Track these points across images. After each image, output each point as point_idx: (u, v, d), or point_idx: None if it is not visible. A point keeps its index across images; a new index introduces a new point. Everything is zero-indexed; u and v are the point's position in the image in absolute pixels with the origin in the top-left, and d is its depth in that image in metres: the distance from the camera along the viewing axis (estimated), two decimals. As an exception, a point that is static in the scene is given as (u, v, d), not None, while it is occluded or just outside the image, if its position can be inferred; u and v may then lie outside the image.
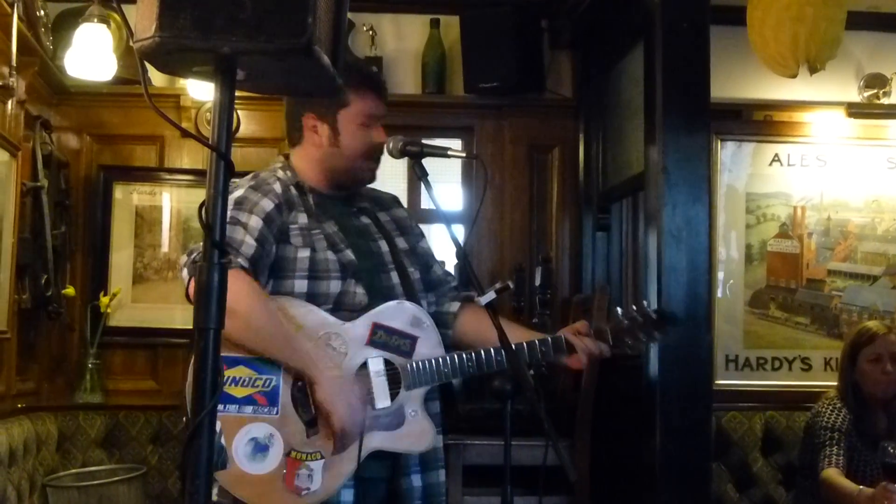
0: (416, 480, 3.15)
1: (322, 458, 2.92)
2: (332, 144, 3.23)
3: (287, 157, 3.32)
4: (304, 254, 3.07)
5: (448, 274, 3.49)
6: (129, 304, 5.79)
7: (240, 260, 2.93)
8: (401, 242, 3.33)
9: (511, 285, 3.11)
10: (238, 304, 2.79)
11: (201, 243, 2.88)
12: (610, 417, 5.15)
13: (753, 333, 5.72)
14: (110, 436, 5.50)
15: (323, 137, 3.23)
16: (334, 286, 3.07)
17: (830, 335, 5.76)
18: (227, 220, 2.89)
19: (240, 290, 2.83)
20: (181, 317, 5.76)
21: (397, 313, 3.11)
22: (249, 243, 2.97)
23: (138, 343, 5.75)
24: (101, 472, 5.26)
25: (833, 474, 4.42)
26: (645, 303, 3.28)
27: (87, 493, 4.98)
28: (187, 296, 2.90)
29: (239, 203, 3.03)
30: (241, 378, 2.88)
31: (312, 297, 3.05)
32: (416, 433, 3.08)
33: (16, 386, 5.00)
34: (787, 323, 5.75)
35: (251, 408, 2.88)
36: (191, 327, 1.80)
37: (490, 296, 2.91)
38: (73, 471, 5.27)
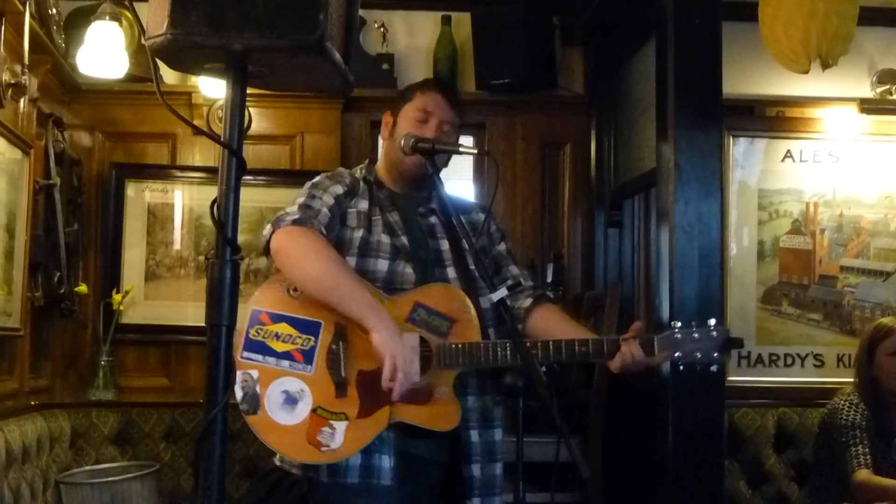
0: (476, 470, 3.22)
1: (346, 419, 3.05)
2: (391, 135, 3.41)
3: (372, 161, 3.52)
4: (358, 234, 3.25)
5: (524, 274, 3.54)
6: (141, 302, 5.80)
7: (314, 222, 3.13)
8: (465, 243, 3.34)
9: (523, 282, 3.11)
10: (313, 255, 3.07)
11: (286, 209, 3.16)
12: (622, 414, 5.14)
13: (766, 330, 5.70)
14: (123, 433, 5.51)
15: (388, 130, 3.44)
16: (382, 265, 3.21)
17: (843, 331, 5.75)
18: (305, 196, 3.22)
19: (309, 242, 3.09)
20: (193, 314, 5.78)
21: (441, 295, 3.22)
22: (325, 213, 3.18)
23: (151, 340, 5.75)
24: (114, 469, 5.26)
25: (867, 475, 4.43)
26: (712, 321, 3.23)
27: (100, 490, 4.98)
28: (264, 250, 3.18)
29: (315, 185, 3.30)
30: (282, 334, 3.08)
31: (360, 274, 3.17)
32: (442, 413, 3.14)
33: (29, 383, 5.01)
34: (799, 319, 5.74)
35: (288, 363, 3.07)
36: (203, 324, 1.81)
37: (501, 292, 2.97)
38: (87, 468, 5.28)
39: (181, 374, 5.80)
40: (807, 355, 5.70)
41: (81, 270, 5.74)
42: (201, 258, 5.77)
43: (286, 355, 3.07)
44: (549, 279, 5.69)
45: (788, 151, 5.78)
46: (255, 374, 3.05)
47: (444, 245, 3.37)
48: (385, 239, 3.26)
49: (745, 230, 5.72)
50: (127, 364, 5.79)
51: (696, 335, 3.21)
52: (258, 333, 3.07)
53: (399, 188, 3.42)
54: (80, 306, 5.63)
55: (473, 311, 3.20)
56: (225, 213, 1.79)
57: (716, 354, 3.23)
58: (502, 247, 3.54)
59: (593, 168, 6.15)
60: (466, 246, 3.33)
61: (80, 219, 5.66)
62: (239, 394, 3.02)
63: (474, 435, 3.24)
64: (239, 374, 3.01)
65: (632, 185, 5.74)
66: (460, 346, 3.13)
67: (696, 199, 4.42)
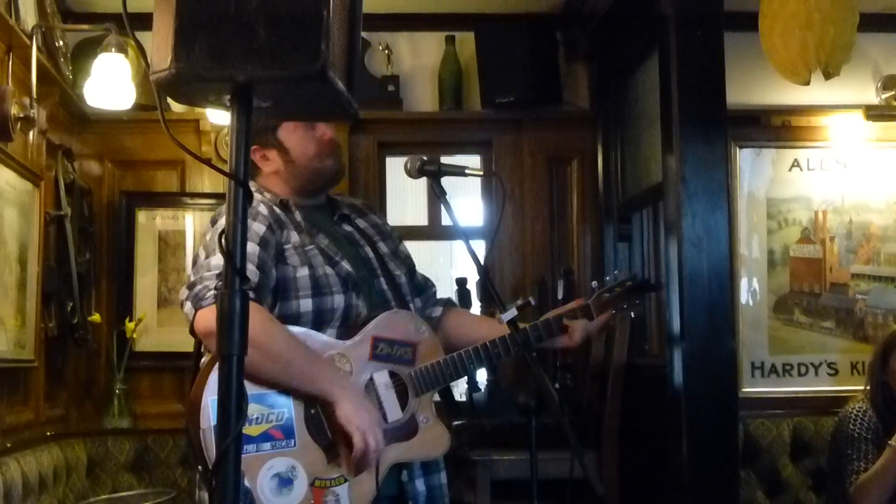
0: (420, 485, 3.15)
1: (346, 481, 2.92)
2: (287, 162, 3.23)
3: (256, 183, 3.27)
4: (304, 272, 3.06)
5: (427, 279, 3.51)
6: (154, 329, 5.81)
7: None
8: (382, 247, 3.34)
9: (532, 301, 3.13)
10: (256, 335, 2.80)
11: (201, 275, 2.91)
12: (636, 428, 5.15)
13: (779, 339, 5.70)
14: (139, 460, 5.52)
15: (276, 161, 3.24)
16: (338, 300, 3.06)
17: (856, 338, 5.74)
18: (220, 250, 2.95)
19: (254, 319, 2.82)
20: (206, 340, 5.78)
21: (394, 323, 3.12)
22: (251, 270, 2.90)
23: (165, 367, 5.75)
24: (131, 496, 5.27)
25: (861, 479, 4.46)
26: (616, 272, 3.35)
27: (117, 518, 5.01)
28: (191, 331, 2.94)
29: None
30: (253, 416, 2.85)
31: (319, 314, 3.04)
32: (433, 439, 3.09)
33: (44, 413, 5.03)
34: (812, 328, 5.74)
35: (269, 444, 2.86)
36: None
37: (512, 313, 2.93)
38: (104, 496, 5.29)
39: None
40: (820, 364, 5.70)
41: (94, 299, 5.75)
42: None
43: (264, 437, 2.86)
44: (560, 295, 5.69)
45: (796, 160, 5.79)
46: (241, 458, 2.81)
47: (370, 252, 3.28)
48: (329, 271, 3.09)
49: (754, 240, 5.73)
50: (141, 391, 5.80)
51: (618, 290, 3.35)
52: None
53: (307, 202, 3.26)
54: (93, 335, 5.64)
55: (428, 329, 3.17)
56: (233, 243, 1.80)
57: (637, 302, 3.42)
58: (405, 248, 3.48)
59: (601, 182, 6.16)
60: (383, 251, 3.32)
61: (91, 248, 5.68)
62: None
63: (419, 484, 3.16)
64: None
65: (640, 199, 5.75)
66: (429, 367, 3.09)
67: (704, 211, 4.42)
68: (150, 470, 5.52)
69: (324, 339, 3.02)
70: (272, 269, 3.02)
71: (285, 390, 2.91)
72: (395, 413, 3.04)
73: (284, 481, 2.85)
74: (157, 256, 5.88)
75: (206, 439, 2.79)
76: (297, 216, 3.18)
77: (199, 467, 2.88)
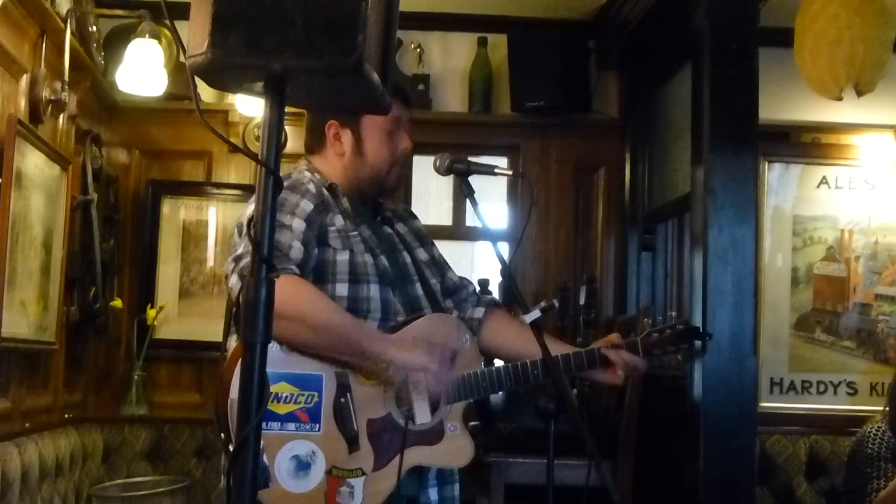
0: (433, 494, 3.12)
1: (363, 474, 2.90)
2: (356, 153, 3.20)
3: (309, 161, 3.27)
4: (344, 256, 3.04)
5: (464, 279, 3.46)
6: (175, 318, 5.83)
7: (291, 266, 2.89)
8: (421, 254, 3.32)
9: (556, 304, 3.11)
10: (303, 307, 2.83)
11: (249, 249, 2.88)
12: (653, 439, 5.12)
13: (799, 357, 5.67)
14: (155, 448, 5.54)
15: (346, 146, 3.21)
16: (374, 290, 3.05)
17: (877, 360, 5.70)
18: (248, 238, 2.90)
19: (301, 292, 2.85)
20: (226, 331, 5.80)
21: (438, 327, 3.08)
22: (297, 247, 2.92)
23: (184, 357, 5.77)
24: (145, 483, 5.30)
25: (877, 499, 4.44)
26: (672, 314, 3.29)
27: (131, 505, 5.02)
28: (236, 302, 2.83)
29: (279, 204, 2.89)
30: (283, 395, 2.84)
31: (354, 302, 3.02)
32: (456, 449, 3.06)
33: (63, 398, 5.05)
34: (832, 347, 5.71)
35: (294, 425, 2.84)
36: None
37: (535, 314, 2.91)
38: (119, 482, 5.32)
39: (214, 390, 5.81)
40: (840, 383, 5.67)
41: (116, 286, 5.78)
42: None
43: (290, 417, 2.84)
44: (582, 302, 5.68)
45: (824, 178, 5.76)
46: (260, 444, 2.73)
47: (407, 258, 3.25)
48: (369, 259, 3.07)
49: (778, 256, 5.70)
50: (160, 380, 5.82)
51: (668, 332, 3.26)
52: None
53: (355, 194, 3.22)
54: (114, 322, 5.67)
55: (471, 338, 3.14)
56: (261, 232, 1.80)
57: (685, 347, 3.34)
58: (439, 253, 3.45)
59: (627, 192, 6.15)
60: (421, 258, 3.30)
61: (115, 235, 5.70)
62: None
63: (433, 493, 3.14)
64: None
65: (665, 210, 5.73)
66: (465, 377, 3.06)
67: (731, 224, 4.40)
68: (166, 459, 5.54)
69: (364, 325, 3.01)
70: (314, 248, 3.00)
71: (326, 366, 2.90)
72: (424, 416, 3.01)
73: (303, 464, 2.84)
74: (180, 246, 5.90)
75: (232, 409, 2.77)
76: (344, 202, 3.15)
77: (222, 435, 2.86)
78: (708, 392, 4.38)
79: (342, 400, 2.91)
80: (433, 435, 3.01)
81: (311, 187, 3.10)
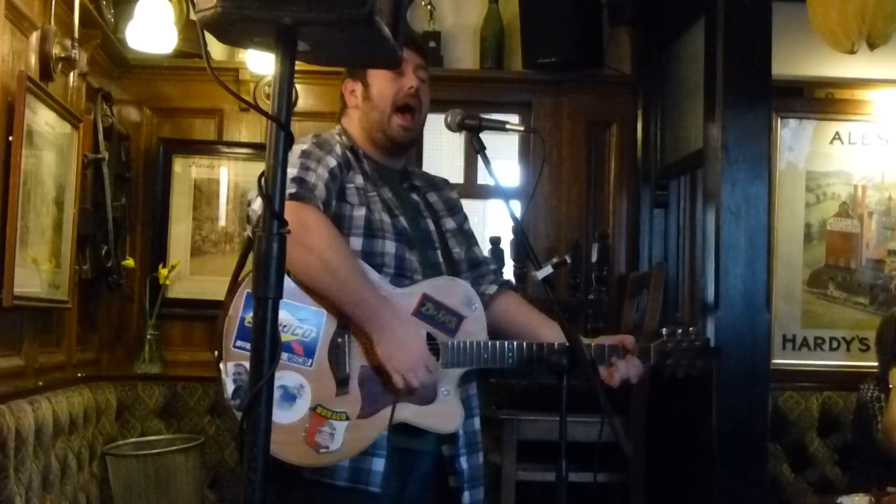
0: (463, 463, 3.09)
1: (347, 419, 2.86)
2: (365, 98, 3.22)
3: (341, 126, 3.31)
4: (360, 212, 3.04)
5: (488, 258, 3.44)
6: (187, 277, 5.84)
7: (317, 201, 2.90)
8: (447, 223, 3.31)
9: (568, 260, 3.08)
10: (320, 244, 2.84)
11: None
12: (666, 395, 5.13)
13: (812, 313, 5.67)
14: (168, 406, 5.57)
15: (358, 96, 3.24)
16: (389, 247, 3.03)
17: (890, 315, 5.70)
18: (297, 167, 2.92)
19: (322, 228, 2.86)
20: (239, 289, 5.80)
21: (449, 289, 3.07)
22: (322, 188, 2.94)
23: (196, 315, 5.77)
24: (159, 441, 5.33)
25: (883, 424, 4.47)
26: (692, 329, 3.26)
27: (145, 462, 5.04)
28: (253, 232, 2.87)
29: (306, 154, 3.01)
30: (282, 324, 2.78)
31: (368, 257, 3.00)
32: (445, 413, 3.01)
33: (76, 356, 5.07)
34: (845, 303, 5.70)
35: (287, 355, 2.80)
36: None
37: (547, 270, 2.90)
38: (132, 440, 5.35)
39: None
40: (853, 339, 5.66)
41: (129, 245, 5.78)
42: (247, 233, 5.81)
43: (285, 346, 2.77)
44: (594, 259, 5.68)
45: (837, 133, 5.73)
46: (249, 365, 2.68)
47: (431, 225, 3.24)
48: (386, 218, 3.06)
49: (791, 212, 5.68)
50: (172, 338, 5.84)
51: (684, 344, 3.24)
52: None
53: (379, 157, 3.22)
54: (126, 280, 5.67)
55: (481, 307, 3.10)
56: (273, 187, 1.79)
57: (696, 363, 3.27)
58: (469, 226, 3.43)
59: (639, 148, 6.12)
60: (447, 226, 3.29)
61: (127, 193, 5.70)
62: (230, 387, 2.77)
63: (463, 462, 3.10)
64: (231, 365, 2.77)
65: (678, 166, 5.71)
66: (469, 344, 3.02)
67: (744, 180, 4.39)
68: (179, 416, 5.56)
69: (375, 278, 2.98)
70: (333, 200, 3.01)
71: (330, 306, 2.88)
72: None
73: (288, 396, 2.81)
74: (191, 205, 5.90)
75: (228, 326, 2.79)
76: (366, 165, 3.17)
77: (216, 352, 2.85)
78: (721, 348, 4.38)
79: (339, 340, 2.88)
80: (425, 395, 2.97)
81: (337, 148, 3.13)
